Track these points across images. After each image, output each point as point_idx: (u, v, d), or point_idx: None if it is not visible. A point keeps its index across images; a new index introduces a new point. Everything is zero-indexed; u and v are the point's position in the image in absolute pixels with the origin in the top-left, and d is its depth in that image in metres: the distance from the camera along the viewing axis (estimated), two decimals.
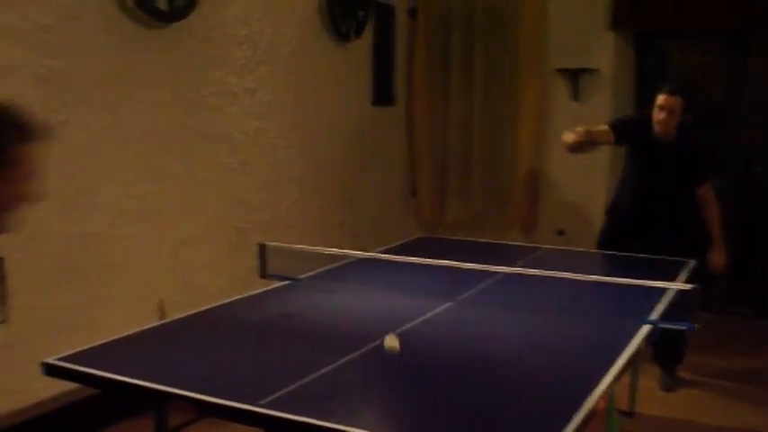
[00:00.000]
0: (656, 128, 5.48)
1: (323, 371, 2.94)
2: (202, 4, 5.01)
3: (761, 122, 7.29)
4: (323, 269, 4.65)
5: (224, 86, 5.36)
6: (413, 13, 7.58)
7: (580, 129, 5.35)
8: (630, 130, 5.67)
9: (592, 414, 2.66)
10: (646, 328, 3.58)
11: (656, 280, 3.99)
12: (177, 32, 4.91)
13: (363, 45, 6.91)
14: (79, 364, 3.00)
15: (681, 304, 3.85)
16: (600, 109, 7.00)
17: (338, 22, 6.46)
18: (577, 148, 5.37)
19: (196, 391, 2.72)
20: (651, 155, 5.61)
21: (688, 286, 3.72)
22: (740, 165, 7.27)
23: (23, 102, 4.07)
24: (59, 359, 3.05)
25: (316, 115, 6.32)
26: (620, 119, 5.91)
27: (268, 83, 5.74)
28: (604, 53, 7.08)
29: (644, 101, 7.46)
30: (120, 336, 3.38)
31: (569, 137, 5.31)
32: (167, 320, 3.87)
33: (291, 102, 6.00)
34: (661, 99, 5.44)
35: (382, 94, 7.29)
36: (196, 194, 5.18)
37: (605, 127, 5.62)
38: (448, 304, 3.96)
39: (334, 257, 4.72)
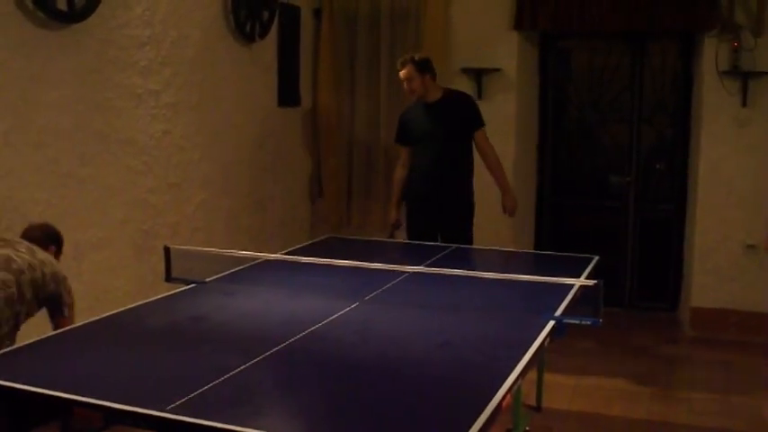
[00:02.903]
0: (412, 99, 6.12)
1: (229, 374, 2.93)
2: (103, 6, 4.93)
3: (661, 121, 7.48)
4: (229, 272, 4.63)
5: (128, 88, 5.29)
6: (318, 13, 7.58)
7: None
8: (402, 122, 6.27)
9: (499, 410, 2.70)
10: (551, 324, 3.64)
11: (563, 276, 4.06)
12: (78, 34, 4.83)
13: (268, 46, 6.89)
14: None
15: (586, 299, 3.93)
16: (504, 108, 7.09)
17: (243, 23, 6.43)
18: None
19: (102, 398, 2.68)
20: (423, 117, 6.08)
21: (591, 282, 3.79)
22: (642, 162, 7.44)
23: None
24: None
25: (221, 117, 6.28)
26: (397, 127, 6.40)
27: (172, 84, 5.68)
28: (508, 53, 7.17)
29: (548, 100, 7.62)
30: (21, 344, 3.32)
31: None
32: (72, 326, 3.81)
33: (196, 103, 5.95)
34: (400, 75, 6.02)
35: (288, 94, 7.26)
36: (101, 198, 5.11)
37: (400, 150, 6.41)
38: (354, 304, 3.97)
39: (242, 259, 4.71)
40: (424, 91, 5.97)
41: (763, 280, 6.69)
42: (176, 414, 2.56)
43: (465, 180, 6.07)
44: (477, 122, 6.03)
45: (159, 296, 4.12)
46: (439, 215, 6.01)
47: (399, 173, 6.34)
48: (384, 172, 7.58)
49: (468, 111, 6.05)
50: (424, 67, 5.96)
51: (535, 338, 3.44)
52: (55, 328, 3.78)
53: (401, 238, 6.43)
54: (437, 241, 5.91)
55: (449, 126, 5.98)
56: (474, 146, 6.09)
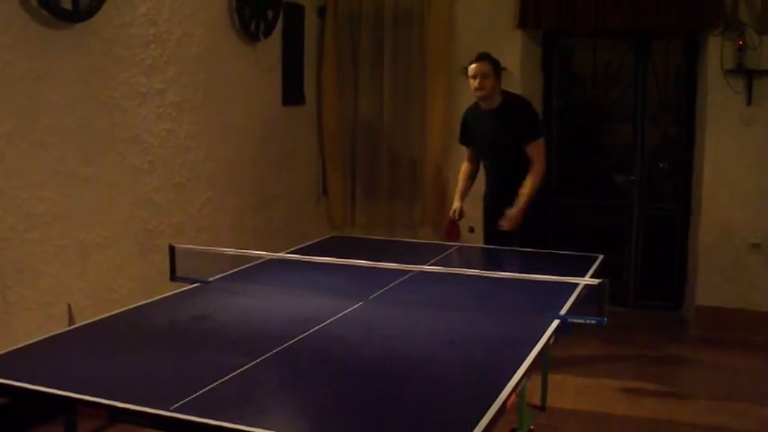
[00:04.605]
0: (477, 98, 5.85)
1: (234, 373, 2.93)
2: (108, 4, 4.94)
3: (666, 120, 7.47)
4: (234, 271, 4.63)
5: (132, 87, 5.29)
6: (322, 12, 7.58)
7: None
8: (464, 122, 6.10)
9: (503, 409, 2.70)
10: (556, 323, 3.64)
11: (568, 275, 4.06)
12: (83, 33, 4.84)
13: (273, 45, 6.88)
14: None
15: (591, 298, 3.92)
16: None
17: (247, 22, 6.43)
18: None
19: (107, 397, 2.69)
20: (483, 125, 5.88)
21: (596, 281, 3.79)
22: (647, 161, 7.43)
23: None
24: None
25: (226, 116, 6.28)
26: (460, 127, 6.22)
27: (177, 83, 5.69)
28: (512, 52, 7.15)
29: (552, 98, 7.61)
30: (26, 343, 3.33)
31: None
32: (76, 325, 3.82)
33: (201, 102, 5.95)
34: (471, 69, 5.77)
35: (292, 93, 7.26)
36: (105, 197, 5.11)
37: (466, 151, 6.19)
38: (359, 303, 3.97)
39: (246, 258, 4.71)
40: (492, 93, 5.74)
41: (767, 279, 6.69)
42: (181, 413, 2.57)
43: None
44: (530, 136, 5.73)
45: (164, 295, 4.13)
46: None
47: (465, 166, 6.17)
48: (388, 170, 7.59)
49: (522, 122, 5.79)
50: (498, 68, 5.80)
51: (540, 337, 3.44)
52: None
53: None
54: (511, 244, 5.78)
55: (507, 138, 5.77)
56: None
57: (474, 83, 5.73)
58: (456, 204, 6.04)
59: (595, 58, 7.70)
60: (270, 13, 6.72)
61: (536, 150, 5.75)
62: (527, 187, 5.69)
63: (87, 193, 4.97)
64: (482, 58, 5.76)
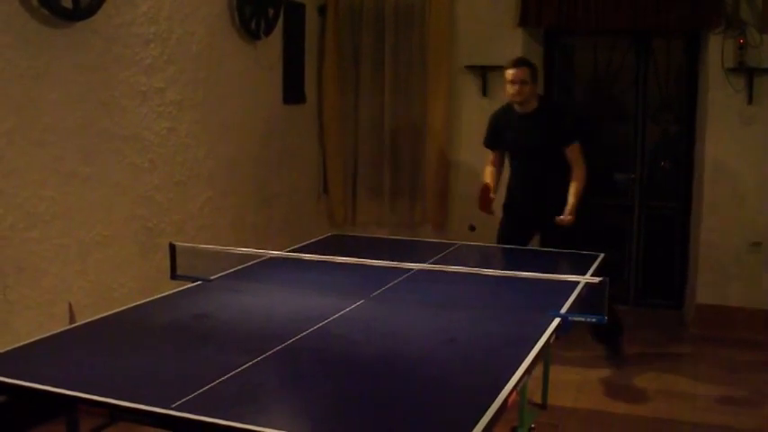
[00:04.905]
0: (513, 102, 5.79)
1: (235, 372, 2.93)
2: (108, 3, 4.93)
3: (666, 119, 7.46)
4: (234, 269, 4.63)
5: (133, 86, 5.29)
6: (323, 10, 7.58)
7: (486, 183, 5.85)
8: (493, 125, 6.05)
9: (504, 407, 2.69)
10: (556, 321, 3.64)
11: (568, 273, 4.06)
12: (83, 31, 4.83)
13: (273, 43, 6.88)
14: None
15: (592, 296, 3.92)
16: None
17: (248, 21, 6.43)
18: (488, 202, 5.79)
19: (107, 396, 2.69)
20: (515, 128, 5.84)
21: (597, 280, 3.78)
22: (648, 160, 7.42)
23: None
24: None
25: (226, 114, 6.28)
26: (487, 129, 6.15)
27: (177, 82, 5.68)
28: (513, 50, 7.14)
29: (552, 97, 7.60)
30: (26, 341, 3.32)
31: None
32: (77, 324, 3.81)
33: (201, 101, 5.95)
34: (509, 74, 5.71)
35: (293, 92, 7.26)
36: (106, 195, 5.11)
37: (489, 155, 6.09)
38: (360, 302, 3.96)
39: (247, 257, 4.71)
40: (529, 98, 5.73)
41: (767, 278, 6.68)
42: (182, 411, 2.56)
43: (565, 187, 5.74)
44: (569, 139, 5.73)
45: (164, 294, 4.12)
46: (540, 225, 5.92)
47: (489, 169, 6.04)
48: (389, 169, 7.59)
49: (559, 127, 5.77)
50: (536, 73, 5.77)
51: (540, 336, 3.43)
52: None
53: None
54: (525, 245, 5.91)
55: (539, 142, 5.75)
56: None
57: (512, 88, 5.70)
58: (491, 187, 5.90)
59: (596, 57, 7.70)
60: (270, 12, 6.71)
61: (574, 153, 5.75)
62: (574, 189, 5.70)
63: (87, 192, 4.96)
64: (521, 63, 5.73)
